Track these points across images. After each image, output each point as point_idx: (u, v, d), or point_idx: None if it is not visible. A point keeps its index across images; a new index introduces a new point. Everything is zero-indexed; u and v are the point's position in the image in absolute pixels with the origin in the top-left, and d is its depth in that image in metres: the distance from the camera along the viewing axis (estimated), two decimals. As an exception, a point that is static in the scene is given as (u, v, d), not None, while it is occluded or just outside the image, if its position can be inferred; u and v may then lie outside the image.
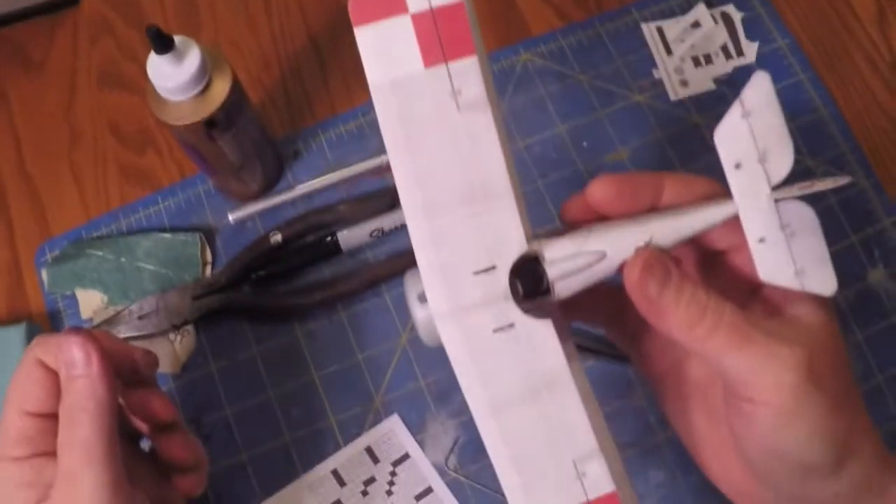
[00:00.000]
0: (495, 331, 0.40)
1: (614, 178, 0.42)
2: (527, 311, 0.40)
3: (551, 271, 0.40)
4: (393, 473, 0.64)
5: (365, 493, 0.63)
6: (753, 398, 0.39)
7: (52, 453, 0.47)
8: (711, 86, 0.72)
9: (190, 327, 0.68)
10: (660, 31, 0.74)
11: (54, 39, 0.78)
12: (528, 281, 0.41)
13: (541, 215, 0.69)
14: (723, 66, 0.73)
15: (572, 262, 0.40)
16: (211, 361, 0.67)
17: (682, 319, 0.39)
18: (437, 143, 0.40)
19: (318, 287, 0.67)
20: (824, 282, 0.40)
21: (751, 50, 0.74)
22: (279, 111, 0.74)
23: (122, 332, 0.67)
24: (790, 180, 0.39)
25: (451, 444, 0.64)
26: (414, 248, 0.40)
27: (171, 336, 0.68)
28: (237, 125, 0.62)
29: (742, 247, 0.41)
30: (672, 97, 0.72)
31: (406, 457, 0.64)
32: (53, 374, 0.49)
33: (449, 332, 0.40)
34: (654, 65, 0.73)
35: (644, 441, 0.64)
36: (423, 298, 0.41)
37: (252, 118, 0.64)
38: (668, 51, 0.74)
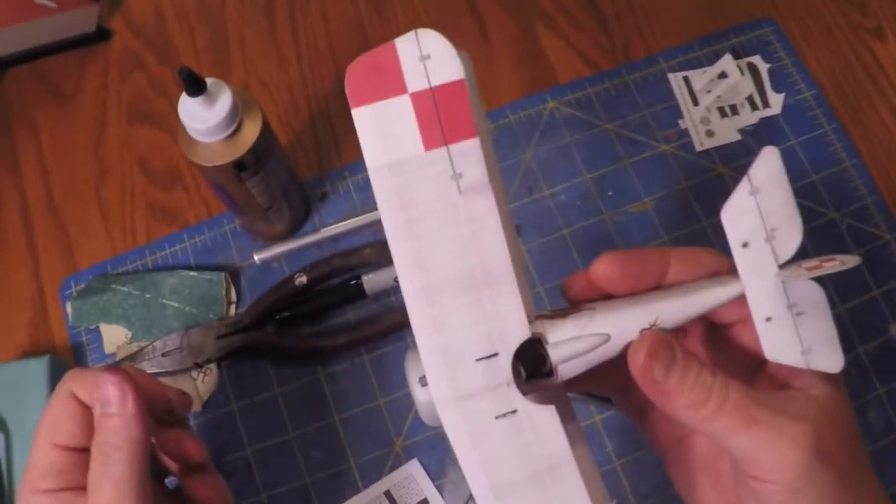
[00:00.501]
0: (497, 417, 0.39)
1: (618, 256, 0.41)
2: (529, 393, 0.39)
3: (554, 354, 0.39)
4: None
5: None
6: (760, 476, 0.38)
7: (81, 488, 0.47)
8: (737, 136, 0.72)
9: (212, 366, 0.67)
10: (686, 81, 0.74)
11: (85, 73, 0.78)
12: (531, 364, 0.40)
13: (566, 263, 0.68)
14: (748, 117, 0.73)
15: (575, 345, 0.39)
16: (233, 400, 0.67)
17: (688, 401, 0.39)
18: (437, 226, 0.38)
19: (341, 330, 0.67)
20: (831, 360, 0.40)
21: (777, 101, 0.73)
22: (307, 153, 0.74)
23: (146, 368, 0.66)
24: (800, 256, 0.39)
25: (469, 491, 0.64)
26: (414, 331, 0.39)
27: (194, 374, 0.67)
28: (266, 167, 0.61)
29: (749, 320, 0.41)
30: (697, 147, 0.72)
31: (425, 502, 0.63)
32: (86, 409, 0.48)
33: (450, 417, 0.39)
34: (680, 115, 0.73)
35: (663, 492, 0.63)
36: (423, 382, 0.40)
37: (281, 160, 0.64)
38: (695, 101, 0.73)
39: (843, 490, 0.39)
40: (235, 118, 0.58)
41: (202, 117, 0.57)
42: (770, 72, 0.74)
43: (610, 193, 0.71)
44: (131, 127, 0.76)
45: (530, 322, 0.39)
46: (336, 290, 0.68)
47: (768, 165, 0.39)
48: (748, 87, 0.74)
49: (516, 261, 0.39)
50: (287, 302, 0.68)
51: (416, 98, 0.37)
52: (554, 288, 0.68)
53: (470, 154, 0.38)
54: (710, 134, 0.72)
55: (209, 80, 0.57)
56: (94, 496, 0.45)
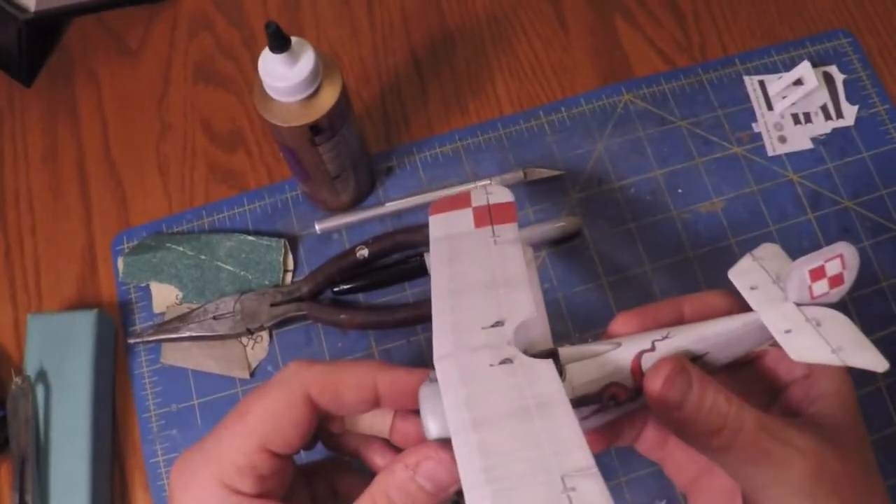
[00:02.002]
0: (492, 365, 0.37)
1: (633, 315, 0.42)
2: None
3: (564, 352, 0.40)
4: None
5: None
6: None
7: (275, 496, 0.41)
8: (809, 144, 0.69)
9: (264, 333, 0.64)
10: (762, 84, 0.71)
11: (152, 29, 0.75)
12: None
13: (631, 257, 0.66)
14: (821, 126, 0.70)
15: (585, 347, 0.40)
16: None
17: (702, 430, 0.38)
18: (472, 259, 0.44)
19: (399, 307, 0.64)
20: (869, 358, 0.37)
21: (850, 113, 0.70)
22: (375, 126, 0.71)
23: (194, 330, 0.63)
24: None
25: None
26: (433, 316, 0.41)
27: (244, 340, 0.64)
28: (340, 134, 0.58)
29: (766, 352, 0.42)
30: (770, 152, 0.69)
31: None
32: (315, 414, 0.41)
33: (445, 366, 0.37)
34: (754, 118, 0.70)
35: None
36: (436, 418, 0.38)
37: (354, 129, 0.60)
38: (769, 105, 0.70)
39: None
40: (316, 80, 0.55)
41: (283, 75, 0.54)
42: (845, 83, 0.71)
43: (679, 191, 0.67)
44: (196, 87, 0.73)
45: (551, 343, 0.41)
46: (396, 265, 0.65)
47: (770, 249, 0.44)
48: (823, 96, 0.71)
49: (539, 312, 0.42)
50: (346, 274, 0.64)
51: (477, 209, 0.48)
52: (619, 281, 0.65)
53: (508, 229, 0.46)
54: (782, 140, 0.69)
55: (294, 39, 0.54)
56: None
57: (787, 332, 0.38)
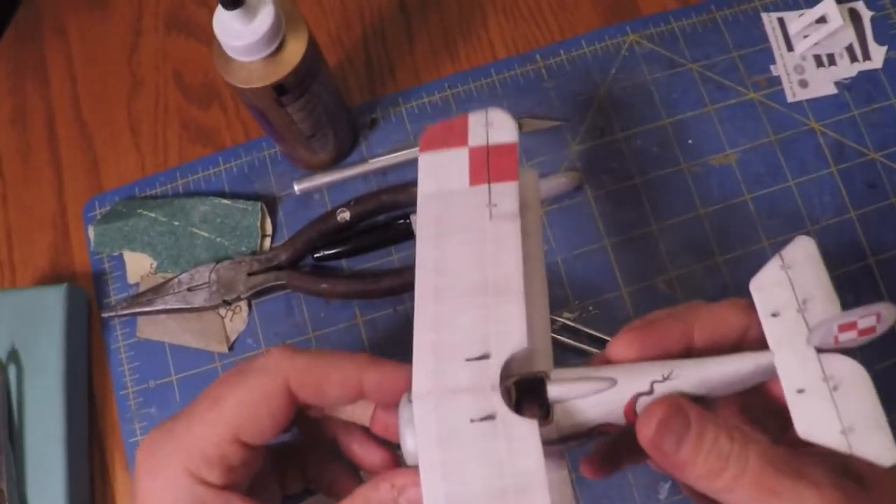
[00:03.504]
0: (473, 420, 0.35)
1: (636, 336, 0.38)
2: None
3: (553, 390, 0.36)
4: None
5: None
6: None
7: (241, 486, 0.39)
8: (833, 89, 0.62)
9: (242, 304, 0.60)
10: (781, 23, 0.64)
11: (122, -23, 0.69)
12: (527, 401, 0.36)
13: (637, 216, 0.60)
14: (847, 69, 0.63)
15: (578, 385, 0.36)
16: (262, 342, 0.59)
17: (703, 471, 0.35)
18: (463, 241, 0.39)
19: (384, 274, 0.59)
20: (881, 447, 0.34)
21: (878, 54, 0.63)
22: (358, 75, 0.65)
23: (169, 302, 0.59)
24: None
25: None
26: (414, 329, 0.37)
27: (222, 311, 0.60)
28: (310, 91, 0.53)
29: None
30: (789, 98, 0.62)
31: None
32: (293, 406, 0.39)
33: (422, 411, 0.35)
34: (773, 60, 0.63)
35: None
36: (412, 420, 0.36)
37: (327, 84, 0.55)
38: (789, 46, 0.63)
39: None
40: (277, 35, 0.49)
41: (239, 33, 0.48)
42: (873, 21, 0.64)
43: (690, 142, 0.61)
44: (167, 37, 0.67)
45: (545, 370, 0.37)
46: (382, 228, 0.60)
47: (802, 250, 0.38)
48: (849, 36, 0.64)
49: (538, 294, 0.40)
50: (327, 238, 0.59)
51: (473, 151, 0.42)
52: (622, 242, 0.59)
53: (508, 191, 0.40)
54: (803, 84, 0.62)
55: (248, -7, 0.48)
56: None
57: (800, 391, 0.35)
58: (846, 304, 0.54)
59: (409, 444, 0.36)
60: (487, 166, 0.41)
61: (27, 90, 0.67)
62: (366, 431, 0.44)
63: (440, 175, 0.41)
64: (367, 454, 0.44)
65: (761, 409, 0.40)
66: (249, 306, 0.60)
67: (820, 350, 0.35)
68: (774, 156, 0.61)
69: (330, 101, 0.56)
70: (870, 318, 0.34)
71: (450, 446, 0.34)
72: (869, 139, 0.61)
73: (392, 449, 0.43)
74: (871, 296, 0.57)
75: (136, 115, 0.66)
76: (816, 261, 0.37)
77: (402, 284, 0.58)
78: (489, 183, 0.41)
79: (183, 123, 0.65)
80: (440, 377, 0.36)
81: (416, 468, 0.36)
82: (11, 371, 0.57)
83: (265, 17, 0.48)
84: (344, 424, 0.44)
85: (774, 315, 0.36)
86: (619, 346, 0.38)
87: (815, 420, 0.35)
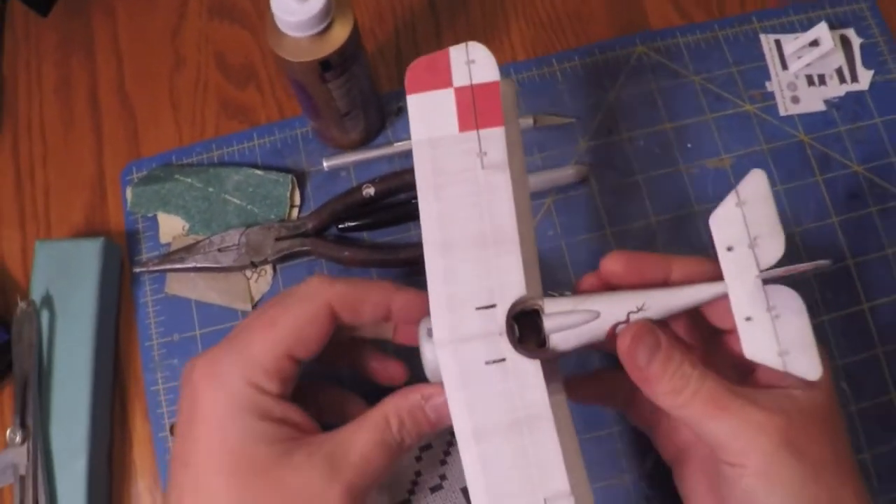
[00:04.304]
0: (487, 363, 0.42)
1: (624, 254, 0.45)
2: (523, 354, 0.42)
3: (548, 323, 0.43)
4: (450, 444, 0.59)
5: (419, 459, 0.59)
6: (731, 461, 0.40)
7: (289, 397, 0.45)
8: (822, 106, 0.68)
9: (268, 267, 0.64)
10: (778, 44, 0.70)
11: (170, -37, 0.74)
12: (527, 329, 0.43)
13: (637, 209, 0.65)
14: (835, 89, 0.69)
15: (568, 317, 0.43)
16: (283, 304, 0.63)
17: (667, 388, 0.41)
18: (460, 192, 0.44)
19: (402, 247, 0.63)
20: (809, 365, 0.41)
21: (865, 77, 0.69)
22: (388, 66, 0.70)
23: (200, 261, 0.63)
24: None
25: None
26: (427, 280, 0.43)
27: (248, 273, 0.64)
28: (350, 71, 0.58)
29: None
30: (782, 112, 0.68)
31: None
32: (334, 326, 0.46)
33: (446, 358, 0.42)
34: (768, 77, 0.69)
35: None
36: (431, 334, 0.43)
37: (365, 67, 0.60)
38: (784, 65, 0.69)
39: (814, 481, 0.40)
40: (328, 15, 0.54)
41: (295, 10, 0.53)
42: (862, 47, 0.70)
43: (689, 146, 0.67)
44: (211, 21, 0.72)
45: (536, 294, 0.43)
46: (402, 205, 0.65)
47: (755, 184, 0.44)
48: (839, 59, 0.69)
49: (527, 235, 0.44)
50: (352, 211, 0.64)
51: (459, 91, 0.45)
52: (623, 232, 0.64)
53: (495, 138, 0.44)
54: (795, 100, 0.68)
55: (308, -26, 0.53)
56: (349, 437, 0.43)
57: (748, 319, 0.42)
58: (825, 301, 0.60)
59: (429, 360, 0.44)
60: (474, 110, 0.45)
61: (72, 62, 0.72)
62: (379, 353, 0.52)
63: (429, 120, 0.45)
64: (385, 368, 0.51)
65: (725, 362, 0.46)
66: (274, 270, 0.64)
67: (766, 281, 0.42)
68: (765, 163, 0.66)
69: (365, 83, 0.61)
70: (805, 266, 0.41)
71: (471, 386, 0.41)
72: (853, 153, 0.66)
73: (406, 364, 0.52)
74: (848, 294, 0.63)
75: (177, 91, 0.70)
76: (766, 195, 0.44)
77: (417, 256, 0.62)
78: (477, 129, 0.44)
79: (221, 101, 0.70)
80: (456, 326, 0.42)
81: (436, 385, 0.44)
82: (44, 316, 0.61)
83: (319, -3, 0.53)
84: (363, 348, 0.52)
85: (729, 249, 0.43)
86: (609, 260, 0.45)
87: (759, 344, 0.42)
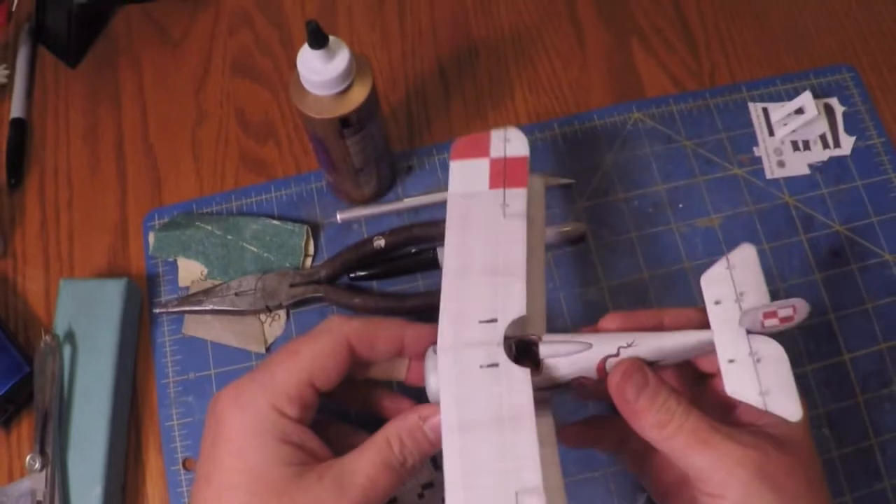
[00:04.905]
0: (482, 366, 0.46)
1: (620, 315, 0.49)
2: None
3: (543, 349, 0.47)
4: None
5: (421, 496, 0.62)
6: (710, 492, 0.42)
7: (308, 425, 0.48)
8: (806, 170, 0.72)
9: (282, 311, 0.68)
10: (765, 112, 0.74)
11: (195, 22, 0.79)
12: (524, 359, 0.47)
13: (631, 265, 0.69)
14: (819, 154, 0.73)
15: (562, 346, 0.47)
16: (296, 347, 0.67)
17: (653, 421, 0.44)
18: (481, 232, 0.50)
19: (410, 296, 0.67)
20: (788, 406, 0.44)
21: (847, 143, 0.74)
22: (399, 127, 0.75)
23: (217, 304, 0.66)
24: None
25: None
26: (440, 300, 0.48)
27: (262, 317, 0.67)
28: (367, 129, 0.62)
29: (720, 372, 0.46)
30: (768, 175, 0.72)
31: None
32: (352, 359, 0.50)
33: (446, 360, 0.46)
34: (756, 142, 0.73)
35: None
36: (436, 365, 0.47)
37: (380, 126, 0.64)
38: (771, 132, 0.74)
39: None
40: (349, 77, 0.58)
41: (319, 70, 0.57)
42: (845, 115, 0.75)
43: (680, 206, 0.71)
44: (233, 79, 0.77)
45: (539, 330, 0.48)
46: (411, 257, 0.68)
47: (744, 255, 0.48)
48: (822, 125, 0.74)
49: (536, 272, 0.50)
50: (363, 261, 0.68)
51: (494, 162, 0.54)
52: (617, 286, 0.68)
53: (518, 195, 0.52)
54: (781, 164, 0.73)
55: (331, 38, 0.57)
56: (353, 466, 0.47)
57: (731, 361, 0.45)
58: (808, 352, 0.64)
59: (432, 384, 0.47)
60: (504, 174, 0.53)
61: (100, 112, 0.76)
62: (392, 393, 0.56)
63: (466, 179, 0.53)
64: (396, 405, 0.55)
65: (709, 403, 0.50)
66: (288, 315, 0.68)
67: (750, 332, 0.45)
68: (752, 223, 0.70)
69: (380, 142, 0.65)
70: (787, 310, 0.44)
71: (464, 384, 0.45)
72: (835, 214, 0.71)
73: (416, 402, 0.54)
74: (830, 346, 0.66)
75: (199, 143, 0.74)
76: (755, 263, 0.47)
77: (424, 305, 0.66)
78: (504, 188, 0.52)
79: (241, 154, 0.74)
80: (459, 334, 0.47)
81: (434, 405, 0.47)
82: (66, 351, 0.64)
83: (342, 59, 0.57)
84: (374, 388, 0.55)
85: (717, 303, 0.46)
86: (606, 321, 0.49)
87: (740, 383, 0.45)
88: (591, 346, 0.46)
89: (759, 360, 0.44)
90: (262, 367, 0.50)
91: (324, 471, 0.46)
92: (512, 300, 0.47)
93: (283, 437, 0.46)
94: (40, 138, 0.75)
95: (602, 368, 0.47)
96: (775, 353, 0.45)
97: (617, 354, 0.47)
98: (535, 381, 0.46)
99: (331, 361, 0.48)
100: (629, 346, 0.46)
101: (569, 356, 0.47)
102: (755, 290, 0.47)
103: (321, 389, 0.49)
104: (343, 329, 0.49)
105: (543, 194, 0.56)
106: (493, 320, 0.47)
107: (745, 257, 0.48)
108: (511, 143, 0.54)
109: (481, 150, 0.54)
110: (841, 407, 0.65)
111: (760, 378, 0.44)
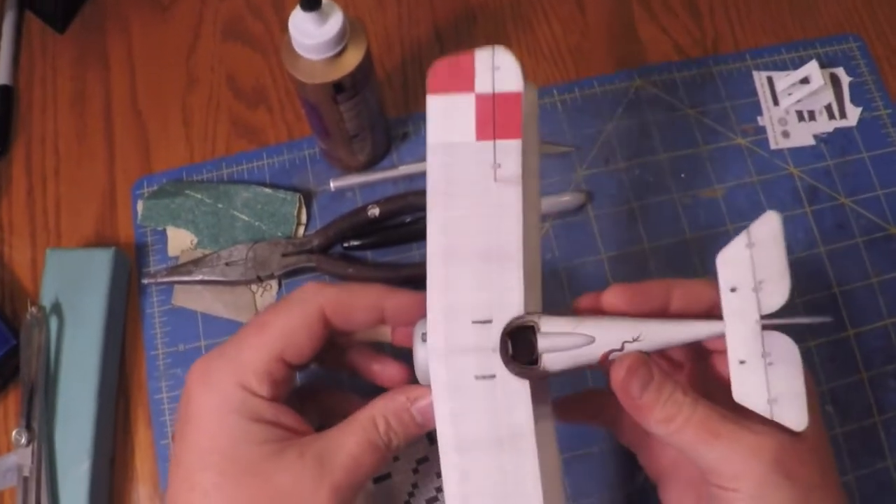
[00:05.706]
0: (477, 377, 0.42)
1: (626, 288, 0.45)
2: (513, 372, 0.42)
3: (542, 343, 0.42)
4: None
5: (415, 471, 0.61)
6: (723, 485, 0.41)
7: (281, 402, 0.45)
8: (811, 141, 0.71)
9: (273, 282, 0.66)
10: (770, 81, 0.73)
11: (185, -14, 0.77)
12: (520, 346, 0.43)
13: (631, 235, 0.68)
14: (824, 125, 0.72)
15: (562, 339, 0.42)
16: (287, 318, 0.65)
17: (660, 416, 0.42)
18: (469, 203, 0.43)
19: (405, 266, 0.66)
20: (795, 416, 0.41)
21: (853, 114, 0.72)
22: (395, 92, 0.73)
23: (206, 274, 0.65)
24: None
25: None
26: (427, 287, 0.43)
27: (254, 287, 0.66)
28: (361, 94, 0.60)
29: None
30: (772, 145, 0.71)
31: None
32: (327, 331, 0.46)
33: (437, 367, 0.42)
34: (760, 112, 0.72)
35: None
36: (425, 339, 0.43)
37: (375, 91, 0.63)
38: (776, 101, 0.72)
39: None
40: (342, 40, 0.57)
41: (312, 33, 0.56)
42: (851, 85, 0.73)
43: (682, 175, 0.70)
44: (224, 44, 0.75)
45: (533, 311, 0.43)
46: (406, 226, 0.67)
47: (769, 226, 0.42)
48: (828, 96, 0.73)
49: (532, 251, 0.44)
50: (356, 231, 0.66)
51: (480, 99, 0.44)
52: (617, 257, 0.67)
53: (511, 150, 0.43)
54: (785, 135, 0.71)
55: (324, 0, 0.56)
56: (336, 444, 0.44)
57: (742, 362, 0.42)
58: (813, 328, 0.63)
59: (421, 359, 0.44)
60: (493, 119, 0.43)
61: (88, 77, 0.74)
62: (380, 355, 0.51)
63: (447, 125, 0.44)
64: (385, 370, 0.51)
65: (711, 378, 0.48)
66: (280, 285, 0.66)
67: (765, 326, 0.42)
68: (756, 194, 0.69)
69: (374, 107, 0.64)
70: (808, 318, 0.42)
71: (458, 398, 0.42)
72: (840, 186, 0.70)
73: (406, 365, 0.51)
74: (834, 321, 0.65)
75: (189, 109, 0.73)
76: (778, 240, 0.42)
77: (419, 276, 0.65)
78: (494, 140, 0.43)
79: (232, 120, 0.72)
80: (451, 337, 0.43)
81: (423, 387, 0.45)
82: (53, 322, 0.63)
83: (335, 22, 0.56)
84: (362, 352, 0.51)
85: (733, 290, 0.42)
86: (611, 295, 0.45)
87: (749, 390, 0.41)
88: (593, 339, 0.43)
89: (770, 364, 0.41)
90: (232, 339, 0.47)
91: (305, 447, 0.44)
92: (507, 294, 0.43)
93: (253, 415, 0.44)
94: (27, 105, 0.74)
95: (605, 361, 0.44)
96: (790, 355, 0.41)
97: (621, 349, 0.43)
98: (533, 374, 0.43)
99: (303, 335, 0.45)
100: (635, 340, 0.43)
101: (569, 350, 0.43)
102: (776, 275, 0.42)
103: (293, 364, 0.46)
104: (317, 299, 0.46)
105: (536, 109, 0.47)
106: (488, 321, 0.42)
107: (769, 231, 0.42)
108: (501, 70, 0.44)
109: (465, 82, 0.44)
110: (844, 383, 0.64)
111: (770, 384, 0.41)
